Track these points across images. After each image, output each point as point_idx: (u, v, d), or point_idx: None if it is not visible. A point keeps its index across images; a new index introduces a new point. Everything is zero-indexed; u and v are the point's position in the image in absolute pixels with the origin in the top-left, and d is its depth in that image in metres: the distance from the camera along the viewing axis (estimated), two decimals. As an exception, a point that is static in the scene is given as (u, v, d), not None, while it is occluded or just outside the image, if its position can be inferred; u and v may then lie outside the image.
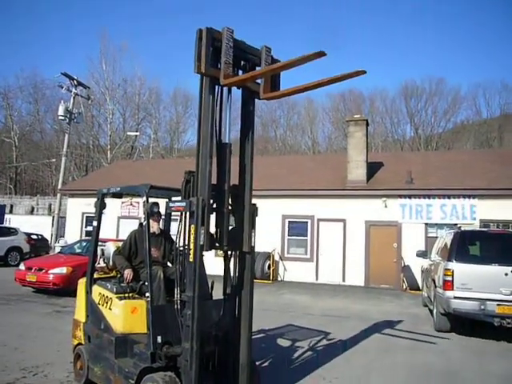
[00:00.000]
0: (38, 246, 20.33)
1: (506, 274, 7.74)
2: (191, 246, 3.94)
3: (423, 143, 43.17)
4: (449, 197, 15.25)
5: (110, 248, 5.46)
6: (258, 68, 4.36)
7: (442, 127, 45.28)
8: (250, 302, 4.44)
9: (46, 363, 5.79)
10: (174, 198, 4.43)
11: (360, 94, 47.68)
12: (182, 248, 4.19)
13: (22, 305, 10.11)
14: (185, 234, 4.08)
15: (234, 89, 4.39)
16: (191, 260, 3.94)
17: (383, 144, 44.58)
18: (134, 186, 5.11)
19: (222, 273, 4.48)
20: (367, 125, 17.57)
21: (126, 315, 4.62)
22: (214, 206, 4.22)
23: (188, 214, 4.02)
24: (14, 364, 5.72)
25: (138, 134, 41.41)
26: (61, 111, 23.20)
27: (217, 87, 4.17)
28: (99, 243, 5.60)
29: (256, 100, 4.47)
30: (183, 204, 4.06)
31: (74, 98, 24.06)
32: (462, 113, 53.89)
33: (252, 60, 4.37)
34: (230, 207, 4.28)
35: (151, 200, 4.76)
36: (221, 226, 4.18)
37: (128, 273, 4.89)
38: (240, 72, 4.36)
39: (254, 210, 4.45)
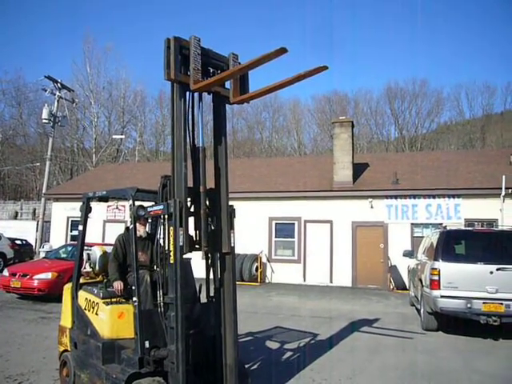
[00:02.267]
0: (23, 251, 20.07)
1: (492, 273, 7.84)
2: (171, 247, 3.99)
3: (408, 144, 43.61)
4: (434, 197, 15.41)
5: (96, 252, 5.41)
6: None
7: (426, 128, 45.87)
8: (233, 302, 4.47)
9: (32, 371, 5.70)
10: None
11: (345, 96, 48.13)
12: (163, 250, 4.23)
13: (6, 311, 9.94)
14: (165, 236, 4.12)
15: (205, 95, 4.54)
16: (172, 261, 3.99)
17: (368, 145, 44.92)
18: (120, 189, 5.06)
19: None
20: (352, 126, 17.66)
21: (112, 320, 4.57)
22: (192, 208, 4.32)
23: (167, 216, 4.07)
24: (-2, 372, 5.62)
25: (123, 137, 41.18)
26: (45, 114, 22.93)
27: (188, 93, 4.31)
28: (85, 247, 5.53)
29: (230, 105, 4.58)
30: (161, 207, 4.14)
31: (58, 101, 23.80)
32: (446, 113, 54.70)
33: (220, 67, 4.50)
34: (207, 209, 4.36)
35: (137, 203, 4.72)
36: (199, 228, 4.27)
37: (117, 285, 4.80)
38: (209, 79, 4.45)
39: (231, 212, 4.53)
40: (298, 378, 5.62)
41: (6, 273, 11.82)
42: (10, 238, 19.39)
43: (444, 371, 6.13)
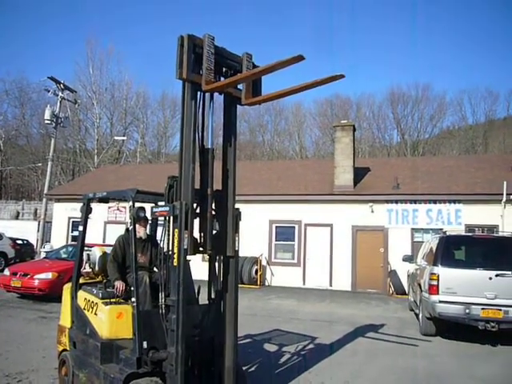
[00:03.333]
0: (24, 251, 20.15)
1: (491, 278, 7.85)
2: (175, 250, 3.97)
3: (410, 149, 43.60)
4: (435, 202, 15.43)
5: (96, 253, 5.44)
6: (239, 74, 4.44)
7: (429, 133, 45.85)
8: (234, 305, 4.47)
9: (31, 370, 5.73)
10: (159, 203, 4.43)
11: (347, 100, 48.11)
12: (166, 252, 4.21)
13: (6, 310, 9.98)
14: (169, 238, 4.11)
15: (216, 95, 4.48)
16: (175, 264, 3.96)
17: (370, 149, 44.92)
18: (121, 191, 5.10)
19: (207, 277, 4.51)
20: (354, 130, 17.71)
21: (111, 320, 4.59)
22: (198, 210, 4.27)
23: (172, 218, 4.04)
24: (-2, 371, 5.65)
25: (125, 138, 41.28)
26: (47, 115, 23.00)
27: (199, 93, 4.23)
28: (85, 248, 5.56)
29: (241, 106, 4.54)
30: (167, 209, 4.09)
31: (60, 102, 23.87)
32: (448, 118, 54.52)
33: (233, 67, 4.46)
34: (213, 212, 4.32)
35: (138, 205, 4.75)
36: (204, 231, 4.23)
37: (119, 285, 4.79)
38: (222, 79, 4.44)
39: (237, 214, 4.51)
40: (295, 381, 5.63)
41: (6, 272, 11.89)
42: (11, 238, 19.49)
43: (441, 376, 6.15)
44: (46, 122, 23.79)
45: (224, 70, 4.43)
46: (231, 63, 4.44)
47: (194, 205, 4.16)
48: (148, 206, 4.63)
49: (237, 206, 4.58)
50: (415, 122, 45.46)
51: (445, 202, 15.32)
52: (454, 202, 15.22)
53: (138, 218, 4.69)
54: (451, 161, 20.34)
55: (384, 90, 67.67)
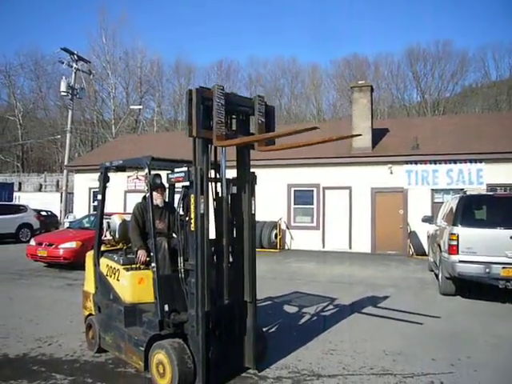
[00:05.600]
0: (48, 222, 20.66)
1: (511, 237, 7.76)
2: (192, 215, 4.03)
3: (430, 108, 42.55)
4: (455, 162, 15.17)
5: (116, 220, 5.54)
6: (251, 117, 4.50)
7: (450, 91, 44.56)
8: (253, 268, 4.54)
9: (60, 333, 5.96)
10: (175, 170, 4.46)
11: (365, 60, 46.92)
12: (183, 218, 4.32)
13: (34, 279, 10.33)
14: (184, 203, 4.18)
15: None
16: (193, 229, 4.03)
17: (389, 110, 44.01)
18: (136, 159, 5.13)
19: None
20: (372, 91, 17.36)
21: (133, 285, 4.74)
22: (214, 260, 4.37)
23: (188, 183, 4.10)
24: (29, 335, 5.90)
25: (141, 107, 41.30)
26: (63, 87, 23.14)
27: (210, 145, 4.24)
28: (105, 216, 5.67)
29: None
30: (182, 174, 4.15)
31: (75, 73, 23.92)
32: (471, 75, 52.93)
33: (245, 112, 4.45)
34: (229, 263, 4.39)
35: (154, 172, 4.79)
36: (221, 282, 4.29)
37: (141, 255, 4.84)
38: (234, 121, 4.43)
39: (252, 179, 4.52)
40: (314, 340, 5.75)
41: (32, 242, 12.24)
42: (35, 210, 19.95)
43: (461, 334, 6.18)
44: (63, 93, 23.97)
45: (235, 114, 4.42)
46: (242, 109, 4.42)
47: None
48: (165, 174, 4.65)
49: (255, 170, 4.59)
50: (436, 80, 44.20)
51: (466, 162, 15.04)
52: (476, 161, 14.93)
53: (154, 185, 4.73)
54: (473, 119, 19.84)
55: (403, 48, 65.65)
